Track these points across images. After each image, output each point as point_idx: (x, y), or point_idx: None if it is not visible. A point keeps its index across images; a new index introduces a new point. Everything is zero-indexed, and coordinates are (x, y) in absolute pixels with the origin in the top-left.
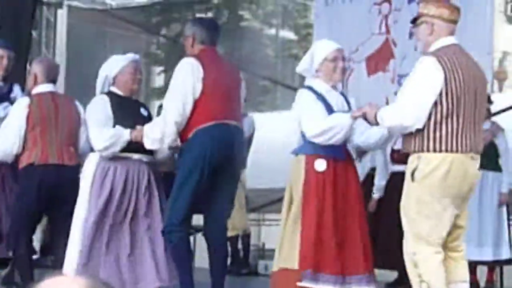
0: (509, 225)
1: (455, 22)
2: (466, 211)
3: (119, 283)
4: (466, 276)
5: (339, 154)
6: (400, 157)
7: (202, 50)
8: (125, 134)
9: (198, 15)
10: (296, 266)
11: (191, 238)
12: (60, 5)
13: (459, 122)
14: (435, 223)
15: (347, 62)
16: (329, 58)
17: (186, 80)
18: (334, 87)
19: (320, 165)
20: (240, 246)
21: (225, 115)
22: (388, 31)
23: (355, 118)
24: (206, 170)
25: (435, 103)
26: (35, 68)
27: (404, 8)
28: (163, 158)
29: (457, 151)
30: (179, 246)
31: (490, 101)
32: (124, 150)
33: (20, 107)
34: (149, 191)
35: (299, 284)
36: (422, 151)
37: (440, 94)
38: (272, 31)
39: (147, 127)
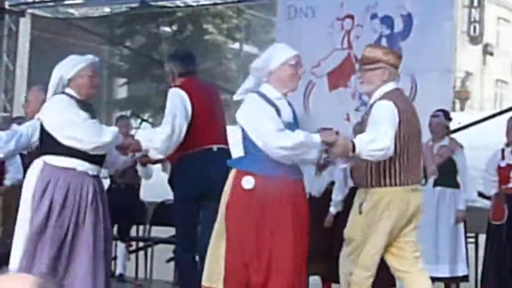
0: (466, 242)
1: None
2: (414, 226)
3: None
4: None
5: (273, 170)
6: None
7: (183, 82)
8: (120, 137)
9: (162, 28)
10: (220, 286)
11: (149, 250)
12: (22, 13)
13: (409, 158)
14: (374, 252)
15: (310, 75)
16: (290, 63)
17: (178, 105)
18: (284, 95)
19: (248, 182)
20: None
21: (210, 139)
22: (350, 47)
23: (324, 141)
24: (193, 197)
25: None
26: None
27: (367, 24)
28: (120, 168)
29: (401, 184)
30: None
31: (449, 118)
32: (68, 155)
33: None
34: (96, 207)
35: None
36: (375, 185)
37: (395, 135)
38: (236, 45)
39: (151, 136)
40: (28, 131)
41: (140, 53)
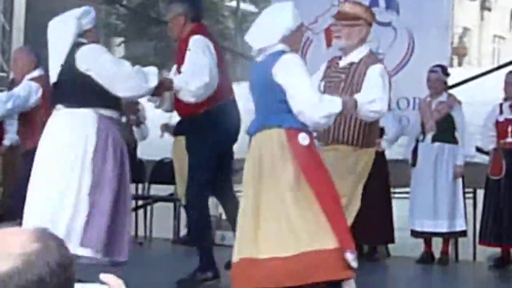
0: (464, 197)
1: None
2: None
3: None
4: None
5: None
6: None
7: (195, 27)
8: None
9: None
10: (331, 245)
11: (148, 208)
12: None
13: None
14: (355, 212)
15: (307, 32)
16: (303, 25)
17: (209, 55)
18: None
19: (304, 139)
20: None
21: (229, 92)
22: None
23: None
24: (224, 148)
25: None
26: None
27: None
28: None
29: (374, 145)
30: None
31: (447, 74)
32: (114, 107)
33: None
34: None
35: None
36: (365, 146)
37: None
38: (233, 3)
39: (187, 78)
40: (24, 92)
41: (137, 12)
